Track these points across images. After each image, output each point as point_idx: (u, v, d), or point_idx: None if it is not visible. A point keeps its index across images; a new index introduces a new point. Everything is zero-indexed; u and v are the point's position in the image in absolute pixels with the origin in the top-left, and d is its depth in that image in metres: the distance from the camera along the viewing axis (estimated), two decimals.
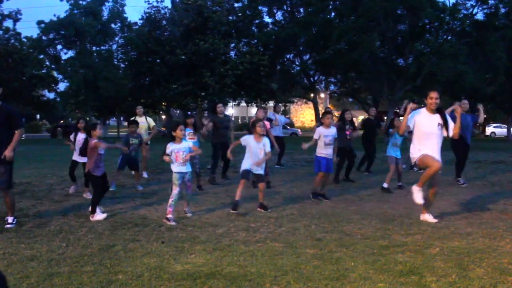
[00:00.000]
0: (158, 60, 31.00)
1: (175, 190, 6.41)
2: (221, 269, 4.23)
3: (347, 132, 9.87)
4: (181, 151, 6.48)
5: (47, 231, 5.61)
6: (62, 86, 37.24)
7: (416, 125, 6.21)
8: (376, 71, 31.47)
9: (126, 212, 6.79)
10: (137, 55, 32.30)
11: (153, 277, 4.02)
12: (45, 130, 51.91)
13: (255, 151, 6.84)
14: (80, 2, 34.01)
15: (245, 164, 6.86)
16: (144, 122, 10.63)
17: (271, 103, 39.27)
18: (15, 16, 36.66)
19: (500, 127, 51.07)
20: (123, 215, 6.57)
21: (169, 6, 33.63)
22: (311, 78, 36.78)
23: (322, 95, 48.33)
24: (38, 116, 63.82)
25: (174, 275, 4.08)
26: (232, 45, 33.00)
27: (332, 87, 43.46)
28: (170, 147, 6.44)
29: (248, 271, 4.18)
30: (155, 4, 32.59)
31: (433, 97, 6.12)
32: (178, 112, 43.41)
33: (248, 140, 6.92)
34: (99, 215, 6.28)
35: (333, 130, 7.90)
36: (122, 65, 34.50)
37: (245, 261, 4.47)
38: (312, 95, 39.20)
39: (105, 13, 35.13)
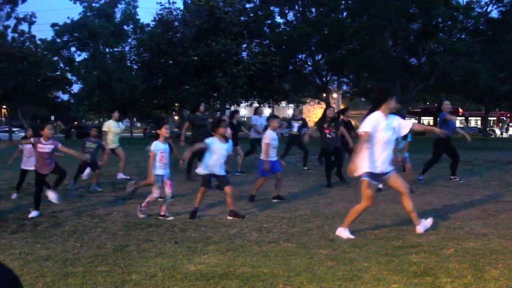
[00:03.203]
0: (170, 61, 31.18)
1: (156, 193, 6.41)
2: (234, 269, 4.24)
3: (326, 131, 9.29)
4: (166, 152, 6.45)
5: (62, 231, 5.67)
6: (76, 88, 37.68)
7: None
8: (389, 70, 31.28)
9: None
10: (150, 56, 32.54)
11: (166, 277, 4.05)
12: (60, 132, 52.50)
13: (221, 153, 6.46)
14: (93, 4, 34.38)
15: (204, 169, 6.48)
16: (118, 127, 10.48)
17: (283, 103, 39.24)
18: (30, 19, 37.17)
19: None
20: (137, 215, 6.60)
21: (181, 7, 33.84)
22: (324, 78, 36.67)
23: (335, 95, 48.17)
24: (52, 118, 64.59)
25: (187, 275, 4.10)
26: (244, 45, 33.06)
27: (344, 87, 43.30)
28: (157, 146, 6.40)
29: (261, 271, 4.18)
30: (167, 5, 32.81)
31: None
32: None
33: (214, 141, 6.49)
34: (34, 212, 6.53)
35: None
36: (135, 67, 34.79)
37: (258, 261, 4.47)
38: (324, 95, 39.09)
39: (118, 15, 35.48)
